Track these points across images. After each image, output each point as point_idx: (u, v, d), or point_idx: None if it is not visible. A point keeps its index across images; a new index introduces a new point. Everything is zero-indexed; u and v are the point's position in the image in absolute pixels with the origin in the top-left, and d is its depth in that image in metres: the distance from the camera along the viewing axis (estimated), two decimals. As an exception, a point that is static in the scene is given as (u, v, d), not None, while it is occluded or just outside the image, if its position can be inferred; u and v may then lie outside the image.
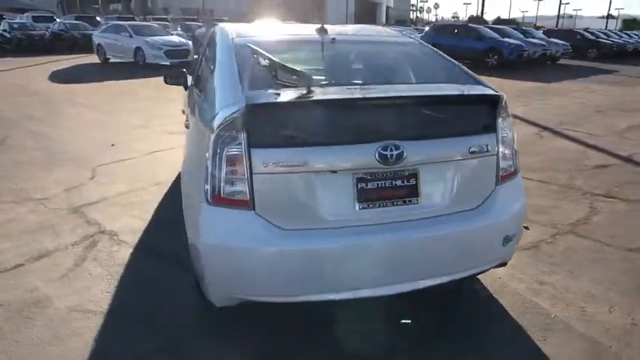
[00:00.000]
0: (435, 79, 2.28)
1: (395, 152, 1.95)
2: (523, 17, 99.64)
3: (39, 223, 3.56)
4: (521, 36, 20.06)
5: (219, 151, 1.91)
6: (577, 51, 22.53)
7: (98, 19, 25.91)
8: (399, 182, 2.03)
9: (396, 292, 2.07)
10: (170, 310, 2.53)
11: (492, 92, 2.16)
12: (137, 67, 14.84)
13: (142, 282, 2.81)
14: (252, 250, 1.91)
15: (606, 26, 63.61)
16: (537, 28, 35.55)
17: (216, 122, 1.92)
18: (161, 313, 2.51)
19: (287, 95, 1.92)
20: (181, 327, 2.39)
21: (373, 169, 1.97)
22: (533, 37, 20.91)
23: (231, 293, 2.02)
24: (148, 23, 18.61)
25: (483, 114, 2.17)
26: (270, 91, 1.97)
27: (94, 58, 16.90)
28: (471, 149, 2.11)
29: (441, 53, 2.69)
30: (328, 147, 1.93)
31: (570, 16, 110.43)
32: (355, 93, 2.01)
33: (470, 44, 17.82)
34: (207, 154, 1.96)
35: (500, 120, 2.19)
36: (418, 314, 2.49)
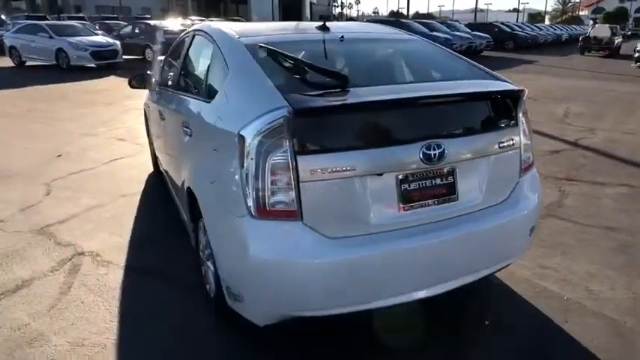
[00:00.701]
0: (457, 76, 2.28)
1: (438, 151, 1.93)
2: (440, 12, 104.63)
3: (1, 250, 3.15)
4: (448, 30, 21.04)
5: (262, 160, 1.77)
6: (496, 43, 24.02)
7: (3, 17, 23.56)
8: (438, 181, 2.00)
9: (441, 291, 2.05)
10: (190, 333, 2.34)
11: (517, 87, 2.20)
12: (61, 70, 13.70)
13: (147, 306, 2.57)
14: (305, 262, 1.79)
15: (517, 19, 68.44)
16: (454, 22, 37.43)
17: (256, 129, 1.77)
18: (181, 337, 2.31)
19: (332, 98, 1.82)
20: (210, 353, 2.22)
21: (416, 169, 1.93)
22: (458, 31, 22.01)
23: (279, 310, 1.89)
24: (70, 23, 17.22)
25: (509, 108, 2.20)
26: (311, 93, 1.85)
27: (4, 61, 15.37)
28: (501, 144, 2.14)
29: (448, 50, 2.70)
30: (374, 149, 1.85)
31: (481, 10, 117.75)
32: (396, 93, 1.95)
33: (402, 39, 18.33)
34: (241, 164, 1.81)
35: (521, 113, 2.24)
36: (438, 308, 2.48)
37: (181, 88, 3.02)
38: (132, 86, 4.00)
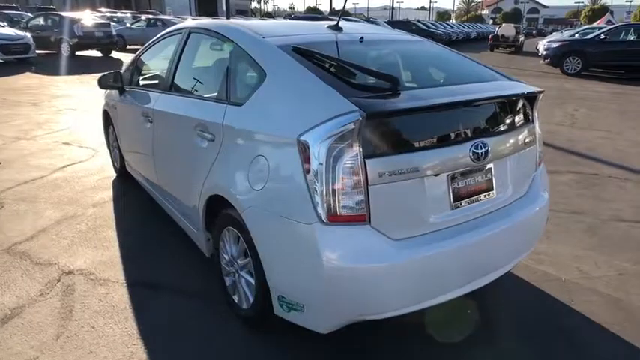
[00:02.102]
0: (482, 77, 2.36)
1: (484, 150, 2.01)
2: (355, 9, 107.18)
3: (-31, 275, 2.76)
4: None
5: (332, 165, 1.72)
6: (416, 40, 25.10)
7: None
8: (479, 178, 2.09)
9: (484, 283, 2.14)
10: (224, 346, 2.22)
11: (537, 88, 2.34)
12: (-40, 66, 12.17)
13: (166, 323, 2.39)
14: (376, 266, 1.78)
15: (429, 18, 72.19)
16: (375, 20, 38.64)
17: (324, 134, 1.72)
18: (216, 351, 2.19)
19: (394, 100, 1.82)
20: (249, 364, 2.13)
21: (465, 168, 2.00)
22: (381, 28, 22.72)
23: (346, 316, 1.87)
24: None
25: (528, 107, 2.35)
26: (367, 95, 1.83)
27: None
28: (525, 140, 2.28)
29: (455, 50, 2.80)
30: (434, 150, 1.89)
31: (393, 8, 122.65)
32: (448, 95, 1.99)
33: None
34: (307, 170, 1.76)
35: (536, 112, 2.40)
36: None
37: (185, 91, 2.83)
38: (103, 86, 3.67)
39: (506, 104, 2.22)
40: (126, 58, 16.54)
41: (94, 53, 16.94)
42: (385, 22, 27.68)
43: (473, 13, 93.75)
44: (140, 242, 3.23)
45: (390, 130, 1.82)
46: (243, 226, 2.11)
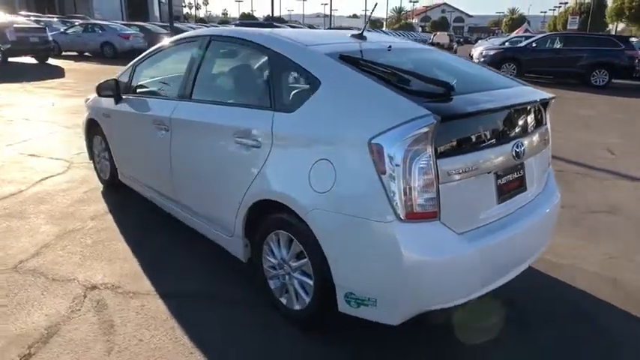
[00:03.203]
0: (508, 84, 2.56)
1: (522, 148, 2.23)
2: (290, 16, 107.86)
3: (-18, 297, 2.58)
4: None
5: (409, 166, 1.84)
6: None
7: None
8: (515, 175, 2.30)
9: (518, 273, 2.35)
10: (285, 346, 2.26)
11: (551, 94, 2.60)
12: None
13: (217, 330, 2.37)
14: (448, 258, 1.93)
15: (366, 25, 74.15)
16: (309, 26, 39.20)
17: (400, 137, 1.83)
18: (278, 352, 2.22)
19: (460, 104, 1.97)
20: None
21: (507, 165, 2.20)
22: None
23: (418, 307, 1.98)
24: None
25: (543, 110, 2.61)
26: (435, 100, 1.97)
27: None
28: (544, 139, 2.53)
29: (466, 58, 3.02)
30: (488, 149, 2.08)
31: (326, 15, 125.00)
32: (496, 99, 2.17)
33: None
34: (382, 171, 1.86)
35: (547, 115, 2.67)
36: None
37: (213, 99, 2.83)
38: (102, 95, 3.54)
39: (532, 108, 2.46)
40: (65, 65, 15.63)
41: (27, 60, 15.82)
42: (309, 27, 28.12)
43: (404, 21, 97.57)
44: (156, 253, 3.15)
45: (455, 132, 1.98)
46: (299, 228, 2.18)
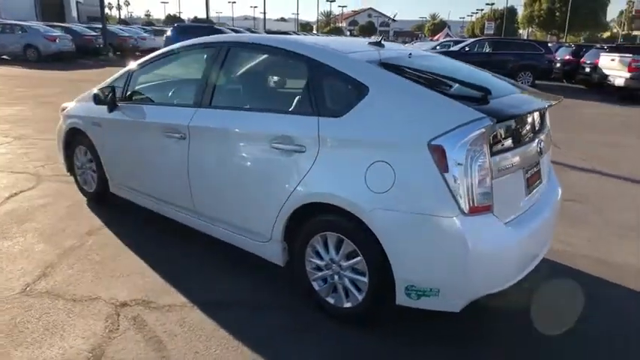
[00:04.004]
0: (521, 88, 2.78)
1: (543, 145, 2.47)
2: (219, 18, 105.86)
3: (5, 326, 2.37)
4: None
5: (470, 164, 1.99)
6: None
7: None
8: (535, 169, 2.53)
9: (538, 262, 2.57)
10: (349, 344, 2.31)
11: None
12: None
13: (277, 337, 2.37)
14: (504, 246, 2.11)
15: (297, 29, 74.50)
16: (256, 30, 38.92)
17: (461, 138, 1.97)
18: (343, 348, 2.27)
19: (505, 107, 2.15)
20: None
21: (533, 161, 2.43)
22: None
23: (476, 293, 2.13)
24: None
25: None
26: (472, 103, 2.13)
27: None
28: (550, 136, 2.80)
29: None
30: (523, 147, 2.29)
31: (254, 18, 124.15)
32: (528, 102, 2.38)
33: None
34: (445, 170, 1.99)
35: (547, 116, 2.94)
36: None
37: (241, 106, 2.81)
38: (98, 102, 3.35)
39: (545, 110, 2.72)
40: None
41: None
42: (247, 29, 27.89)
43: (332, 25, 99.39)
44: (172, 264, 3.05)
45: (502, 132, 2.16)
46: (351, 228, 2.26)
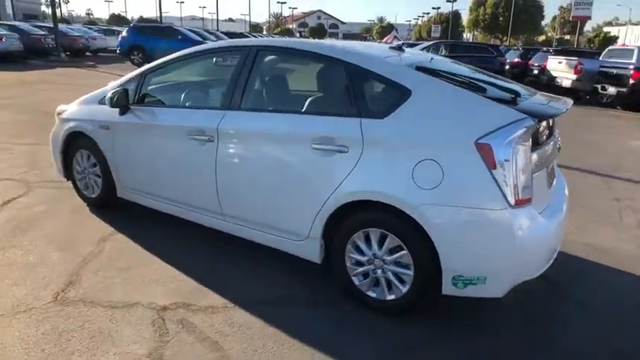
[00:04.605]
0: (533, 90, 3.02)
1: (559, 143, 2.71)
2: (165, 17, 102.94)
3: (52, 333, 2.31)
4: (214, 38, 21.52)
5: (515, 160, 2.17)
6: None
7: None
8: (551, 166, 2.76)
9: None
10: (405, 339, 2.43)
11: None
12: None
13: (333, 332, 2.45)
14: (542, 235, 2.32)
15: (247, 29, 73.85)
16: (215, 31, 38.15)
17: (507, 136, 2.15)
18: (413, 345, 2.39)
19: (541, 108, 2.36)
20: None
21: (552, 157, 2.67)
22: (218, 39, 22.76)
23: (518, 279, 2.32)
24: None
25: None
26: (513, 105, 2.32)
27: None
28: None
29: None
30: (550, 144, 2.53)
31: (202, 18, 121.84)
32: (545, 103, 2.60)
33: (178, 46, 17.79)
34: (492, 166, 2.16)
35: None
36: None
37: (276, 108, 2.87)
38: (117, 105, 3.29)
39: None
40: None
41: None
42: (205, 30, 27.47)
43: (282, 26, 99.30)
44: (202, 266, 3.05)
45: (537, 130, 2.37)
46: (396, 223, 2.39)
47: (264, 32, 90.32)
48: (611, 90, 11.73)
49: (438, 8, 66.15)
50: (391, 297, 2.55)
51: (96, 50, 24.75)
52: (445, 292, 2.38)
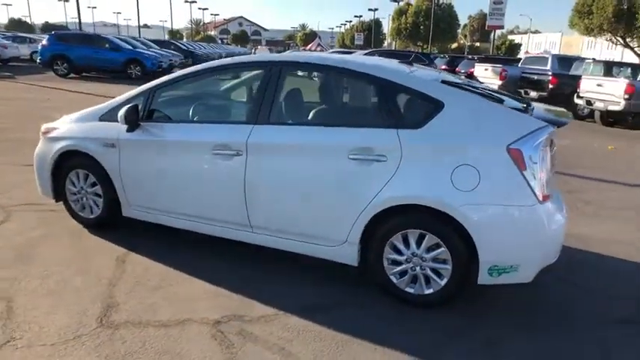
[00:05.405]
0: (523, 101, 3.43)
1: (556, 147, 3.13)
2: (74, 24, 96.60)
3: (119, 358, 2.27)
4: (144, 47, 20.74)
5: (541, 162, 2.52)
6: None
7: None
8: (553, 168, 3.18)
9: None
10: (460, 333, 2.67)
11: None
12: None
13: (381, 329, 2.62)
14: (561, 224, 2.70)
15: (165, 36, 71.38)
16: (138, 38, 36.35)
17: (535, 142, 2.50)
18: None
19: (554, 115, 2.73)
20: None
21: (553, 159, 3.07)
22: (149, 48, 21.95)
23: (544, 264, 2.66)
24: None
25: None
26: (536, 113, 2.67)
27: None
28: None
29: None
30: (552, 149, 2.90)
31: (114, 24, 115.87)
32: (559, 113, 2.99)
33: (108, 55, 17.20)
34: (524, 168, 2.48)
35: None
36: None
37: (308, 121, 3.01)
38: (127, 123, 3.22)
39: None
40: None
41: None
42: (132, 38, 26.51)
43: (203, 33, 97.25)
44: (237, 279, 3.09)
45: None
46: (434, 223, 2.65)
47: (184, 39, 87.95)
48: (533, 94, 13.00)
49: (360, 16, 68.63)
50: (429, 291, 2.79)
51: (7, 60, 22.75)
52: (481, 282, 2.67)
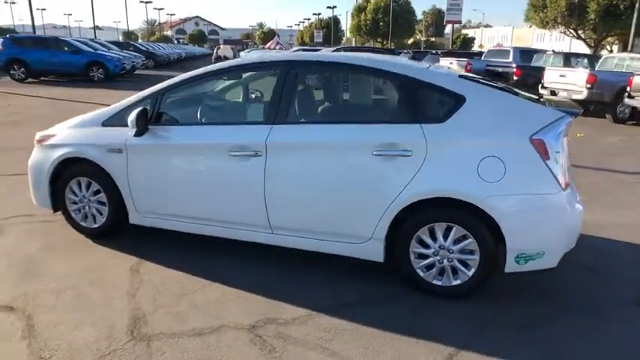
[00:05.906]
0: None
1: None
2: (23, 26, 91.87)
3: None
4: (104, 49, 19.99)
5: (562, 151, 2.62)
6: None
7: None
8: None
9: None
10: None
11: None
12: None
13: (415, 322, 2.66)
14: (580, 211, 2.81)
15: (119, 37, 69.09)
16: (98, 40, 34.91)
17: (555, 132, 2.60)
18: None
19: (567, 107, 2.83)
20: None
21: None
22: (110, 50, 21.19)
23: (566, 250, 2.77)
24: None
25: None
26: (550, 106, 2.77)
27: None
28: None
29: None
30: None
31: (64, 26, 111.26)
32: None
33: (67, 58, 16.49)
34: (547, 157, 2.57)
35: None
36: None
37: (328, 119, 3.00)
38: (139, 127, 3.10)
39: None
40: None
41: None
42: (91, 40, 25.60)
43: (159, 34, 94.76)
44: (259, 282, 3.05)
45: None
46: (461, 215, 2.71)
47: (140, 40, 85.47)
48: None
49: (319, 14, 68.77)
50: (457, 282, 2.85)
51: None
52: (508, 270, 2.75)
